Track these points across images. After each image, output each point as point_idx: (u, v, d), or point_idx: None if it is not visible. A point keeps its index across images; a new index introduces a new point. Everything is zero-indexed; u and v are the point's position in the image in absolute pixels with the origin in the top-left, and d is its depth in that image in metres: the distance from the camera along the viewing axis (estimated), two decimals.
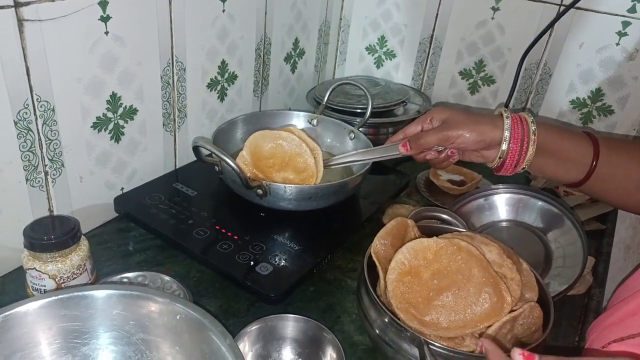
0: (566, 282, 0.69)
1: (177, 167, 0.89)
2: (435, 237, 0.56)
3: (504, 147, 0.62)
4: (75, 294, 0.46)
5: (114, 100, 0.72)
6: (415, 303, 0.52)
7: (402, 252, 0.55)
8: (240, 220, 0.76)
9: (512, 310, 0.52)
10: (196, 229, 0.72)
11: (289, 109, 1.12)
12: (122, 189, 0.80)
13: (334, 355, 0.55)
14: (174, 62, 0.80)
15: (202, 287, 0.69)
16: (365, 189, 0.88)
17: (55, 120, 0.65)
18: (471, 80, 1.13)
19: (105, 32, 0.67)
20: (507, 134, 0.61)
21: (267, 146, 0.71)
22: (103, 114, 0.71)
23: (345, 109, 1.03)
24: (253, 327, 0.54)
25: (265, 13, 0.95)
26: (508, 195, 0.76)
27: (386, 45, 1.20)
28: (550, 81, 1.04)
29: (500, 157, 0.63)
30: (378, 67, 1.24)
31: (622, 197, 0.63)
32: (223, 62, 0.90)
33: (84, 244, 0.63)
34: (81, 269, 0.62)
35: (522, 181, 0.99)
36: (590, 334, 0.62)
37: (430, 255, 0.55)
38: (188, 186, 0.82)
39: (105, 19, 0.66)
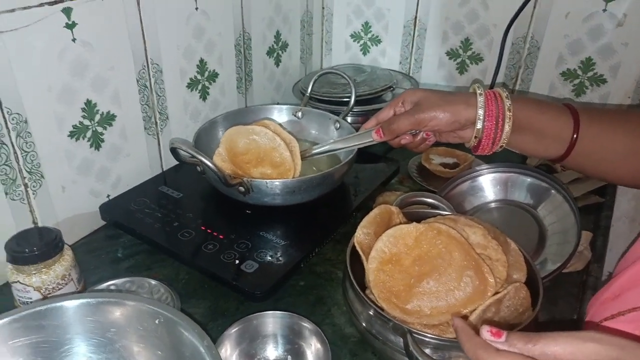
0: (561, 259, 0.68)
1: (164, 170, 0.88)
2: (415, 223, 0.54)
3: (479, 125, 0.60)
4: (45, 307, 0.45)
5: (89, 107, 0.72)
6: (397, 292, 0.51)
7: (382, 240, 0.54)
8: (226, 219, 0.75)
9: (497, 293, 0.50)
10: (181, 231, 0.71)
11: (277, 104, 1.11)
12: (109, 195, 0.80)
13: (319, 346, 0.54)
14: (149, 65, 0.79)
15: (190, 289, 0.68)
16: (354, 178, 0.87)
17: (29, 132, 0.64)
18: (459, 60, 1.11)
19: (72, 39, 0.66)
20: (480, 112, 0.59)
21: (241, 142, 0.70)
22: (79, 122, 0.71)
23: (331, 98, 1.01)
24: (234, 330, 0.53)
25: (242, 7, 0.94)
26: (496, 174, 0.74)
27: (371, 31, 1.18)
28: (538, 54, 1.02)
29: (476, 137, 0.61)
30: (365, 54, 1.22)
31: (608, 169, 0.61)
32: (202, 60, 0.89)
33: (67, 253, 0.63)
34: (66, 279, 0.62)
35: (516, 159, 0.97)
36: (589, 310, 0.60)
37: (411, 242, 0.53)
38: (174, 188, 0.81)
39: (70, 26, 0.65)
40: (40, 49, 0.63)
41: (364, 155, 0.95)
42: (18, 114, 0.63)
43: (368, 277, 0.53)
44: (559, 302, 0.69)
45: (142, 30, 0.76)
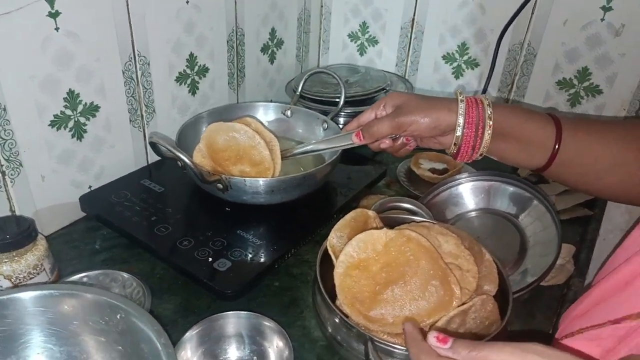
0: (540, 272, 0.67)
1: (149, 163, 0.88)
2: (385, 229, 0.54)
3: (458, 132, 0.59)
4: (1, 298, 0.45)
5: (72, 98, 0.71)
6: (361, 298, 0.50)
7: (351, 244, 0.53)
8: (205, 216, 0.75)
9: (463, 304, 0.50)
10: (158, 226, 0.71)
11: (270, 101, 1.10)
12: (90, 187, 0.80)
13: (280, 344, 0.54)
14: (136, 57, 0.79)
15: (164, 284, 0.68)
16: (339, 180, 0.86)
17: (7, 120, 0.64)
18: (455, 65, 1.09)
19: (55, 29, 0.66)
20: (461, 119, 0.58)
21: (221, 139, 0.69)
22: (61, 111, 0.71)
23: (323, 98, 1.01)
24: (194, 332, 0.53)
25: (235, 3, 0.93)
26: (478, 182, 0.73)
27: (368, 32, 1.17)
28: (535, 62, 1.00)
29: (455, 144, 0.60)
30: (361, 54, 1.21)
31: (591, 180, 0.59)
32: (191, 55, 0.89)
33: (41, 243, 0.63)
34: (38, 268, 0.62)
35: (507, 169, 0.95)
36: (560, 325, 0.59)
37: (380, 247, 0.52)
38: (157, 182, 0.81)
39: (54, 15, 0.65)
40: (22, 38, 0.62)
41: (352, 156, 0.94)
42: None
43: (335, 282, 0.53)
44: (536, 315, 0.68)
45: (130, 22, 0.75)
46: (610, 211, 1.05)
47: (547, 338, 0.64)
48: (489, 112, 0.58)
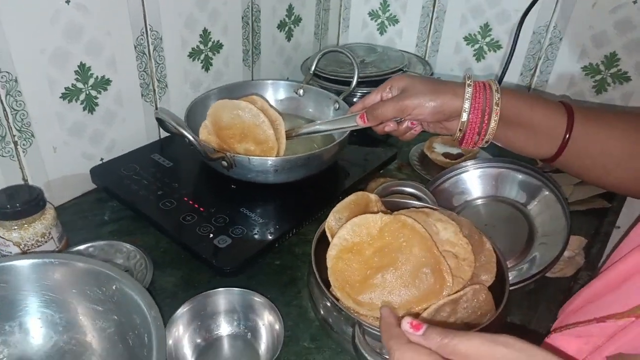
0: (545, 263, 0.65)
1: (161, 138, 0.89)
2: (381, 213, 0.53)
3: (464, 118, 0.57)
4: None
5: (83, 71, 0.72)
6: (351, 281, 0.50)
7: (345, 227, 0.53)
8: (210, 192, 0.76)
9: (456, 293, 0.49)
10: (163, 200, 0.72)
11: (287, 79, 1.09)
12: (102, 159, 0.81)
13: (271, 319, 0.55)
14: (148, 32, 0.79)
15: (167, 258, 0.69)
16: (348, 161, 0.85)
17: (19, 91, 0.66)
18: (476, 46, 1.06)
19: (66, 1, 0.66)
20: (467, 104, 0.56)
21: (226, 116, 0.69)
22: (72, 84, 0.72)
23: (338, 78, 0.99)
24: (185, 309, 0.54)
25: None
26: (487, 169, 0.71)
27: (389, 10, 1.14)
28: (560, 45, 0.96)
29: (460, 129, 0.58)
30: (381, 33, 1.18)
31: (601, 174, 0.57)
32: (205, 30, 0.88)
33: (49, 212, 0.65)
34: (46, 237, 0.64)
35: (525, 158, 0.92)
36: (558, 317, 0.57)
37: (375, 232, 0.52)
38: (167, 157, 0.82)
39: None
40: (32, 10, 0.63)
41: (363, 139, 0.93)
42: (7, 72, 0.64)
43: (327, 264, 0.52)
44: (539, 307, 0.66)
45: None
46: (632, 203, 1.01)
47: (541, 337, 0.63)
48: (496, 98, 0.56)
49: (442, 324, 0.47)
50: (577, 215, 0.81)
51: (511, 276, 0.65)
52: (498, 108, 0.56)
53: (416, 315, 0.47)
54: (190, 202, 0.72)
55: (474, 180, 0.73)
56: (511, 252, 0.69)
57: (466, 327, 0.50)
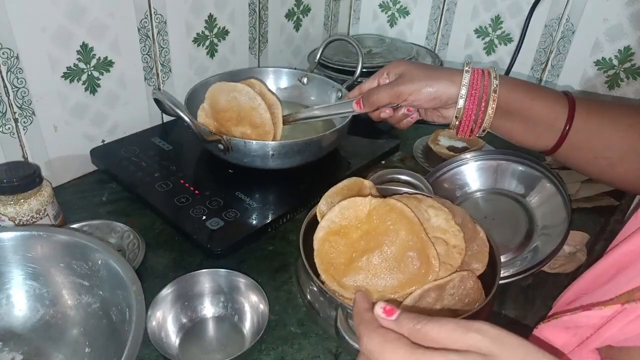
0: (542, 257, 0.63)
1: (164, 122, 0.89)
2: (370, 197, 0.52)
3: (460, 104, 0.55)
4: None
5: (85, 51, 0.73)
6: (336, 264, 0.49)
7: (333, 210, 0.52)
8: (207, 176, 0.75)
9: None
10: (159, 182, 0.72)
11: (295, 68, 1.09)
12: (103, 140, 0.82)
13: (255, 299, 0.54)
14: (152, 15, 0.79)
15: (161, 239, 0.69)
16: (348, 150, 0.84)
17: (20, 68, 0.66)
18: (487, 39, 1.04)
19: None
20: (463, 90, 0.55)
21: (223, 99, 0.68)
22: (74, 64, 0.72)
23: (344, 67, 0.98)
24: (170, 289, 0.54)
25: None
26: (487, 161, 0.69)
27: (399, 2, 1.13)
28: (573, 39, 0.93)
29: (456, 117, 0.57)
30: (392, 25, 1.17)
31: (604, 168, 0.55)
32: (210, 16, 0.88)
33: (46, 190, 0.65)
34: (41, 213, 0.64)
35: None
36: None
37: (363, 215, 0.51)
38: (168, 141, 0.82)
39: None
40: None
41: (367, 129, 0.92)
42: (9, 49, 0.64)
43: (314, 246, 0.52)
44: (536, 301, 0.64)
45: None
46: None
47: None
48: (494, 85, 0.54)
49: (427, 310, 0.46)
50: (583, 213, 0.79)
51: (510, 269, 0.64)
52: (496, 95, 0.54)
53: (394, 302, 0.46)
54: (187, 184, 0.72)
55: (473, 173, 0.71)
56: (511, 245, 0.67)
57: (453, 314, 0.48)
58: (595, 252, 0.72)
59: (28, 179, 0.62)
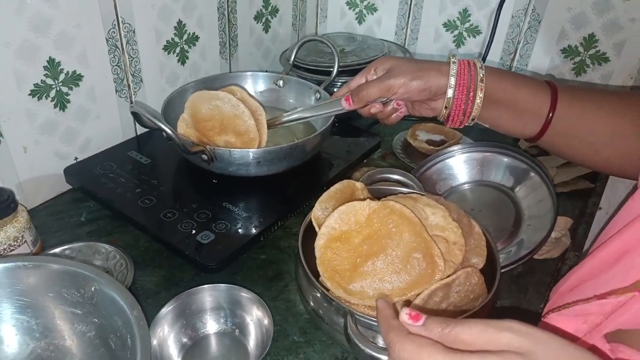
0: (533, 245, 0.64)
1: (137, 134, 0.86)
2: (368, 200, 0.51)
3: (449, 94, 0.56)
4: None
5: (52, 66, 0.69)
6: (341, 271, 0.49)
7: (332, 216, 0.51)
8: (190, 188, 0.73)
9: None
10: (142, 198, 0.69)
11: (265, 71, 1.07)
12: (76, 158, 0.78)
13: (259, 314, 0.53)
14: (120, 24, 0.76)
15: (148, 257, 0.67)
16: (331, 152, 0.84)
17: None
18: (456, 32, 1.05)
19: None
20: (452, 80, 0.56)
21: (204, 108, 0.66)
22: (41, 80, 0.68)
23: (318, 68, 0.97)
24: (169, 308, 0.52)
25: None
26: (472, 154, 0.70)
27: None
28: (539, 28, 0.96)
29: (446, 107, 0.57)
30: (360, 22, 1.17)
31: (588, 154, 0.57)
32: (179, 22, 0.86)
33: (22, 215, 0.62)
34: (19, 240, 0.61)
35: (507, 140, 0.92)
36: (550, 300, 0.57)
37: (363, 219, 0.50)
38: (144, 154, 0.79)
39: None
40: None
41: (346, 128, 0.91)
42: None
43: (316, 254, 0.51)
44: (529, 290, 0.66)
45: None
46: (614, 184, 1.02)
47: (536, 317, 0.62)
48: (481, 75, 0.55)
49: (434, 310, 0.46)
50: (561, 197, 0.81)
51: (501, 259, 0.65)
52: (483, 84, 0.55)
53: (407, 302, 0.46)
54: (171, 198, 0.70)
55: (459, 166, 0.72)
56: (499, 236, 0.68)
57: (459, 311, 0.49)
58: (578, 235, 0.75)
59: (2, 205, 0.59)
